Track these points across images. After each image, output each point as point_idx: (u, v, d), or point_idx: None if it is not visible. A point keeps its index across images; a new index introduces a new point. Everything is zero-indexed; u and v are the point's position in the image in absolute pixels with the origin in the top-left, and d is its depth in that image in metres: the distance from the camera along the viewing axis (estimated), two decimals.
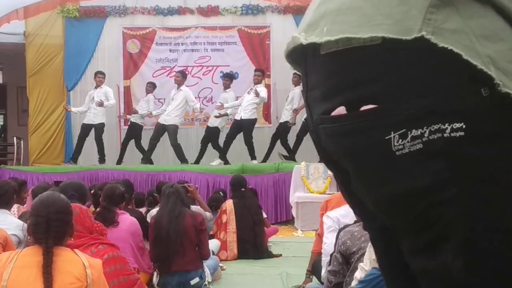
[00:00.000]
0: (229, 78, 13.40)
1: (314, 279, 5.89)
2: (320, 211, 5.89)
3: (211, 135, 13.19)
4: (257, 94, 12.48)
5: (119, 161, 13.29)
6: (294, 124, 12.96)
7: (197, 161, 13.07)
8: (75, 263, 3.09)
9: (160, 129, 12.92)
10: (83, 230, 4.11)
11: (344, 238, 4.12)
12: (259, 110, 13.37)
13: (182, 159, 12.86)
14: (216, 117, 13.00)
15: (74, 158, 13.19)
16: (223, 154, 12.96)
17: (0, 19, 13.24)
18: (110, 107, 13.17)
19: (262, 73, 13.23)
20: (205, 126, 13.63)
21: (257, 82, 12.87)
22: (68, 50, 14.26)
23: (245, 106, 12.70)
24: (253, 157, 12.81)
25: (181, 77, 13.03)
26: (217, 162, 12.88)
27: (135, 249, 6.00)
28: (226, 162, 12.88)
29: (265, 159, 13.08)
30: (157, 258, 6.36)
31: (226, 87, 13.25)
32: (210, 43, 14.54)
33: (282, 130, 13.29)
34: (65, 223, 3.21)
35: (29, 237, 3.22)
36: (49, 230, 3.10)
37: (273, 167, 12.24)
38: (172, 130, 12.80)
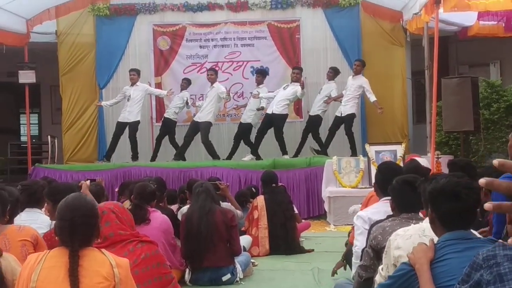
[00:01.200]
0: (261, 74, 13.36)
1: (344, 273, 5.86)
2: (362, 207, 5.89)
3: (243, 131, 13.20)
4: (302, 86, 12.45)
5: (154, 158, 13.36)
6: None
7: (229, 157, 13.08)
8: (103, 262, 3.10)
9: (195, 126, 12.96)
10: (126, 224, 4.13)
11: (376, 233, 4.11)
12: (290, 104, 13.30)
13: (214, 155, 12.87)
14: (258, 109, 13.00)
15: (107, 156, 13.30)
16: (254, 149, 12.94)
17: (33, 19, 13.38)
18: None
19: (300, 71, 13.16)
20: (236, 122, 13.65)
21: (295, 80, 12.82)
22: (99, 48, 14.37)
23: (278, 101, 12.65)
24: (284, 152, 12.77)
25: (214, 74, 13.07)
26: (249, 157, 12.87)
27: (166, 247, 6.03)
28: (258, 157, 12.86)
29: (296, 154, 13.03)
30: (189, 255, 6.38)
31: (259, 83, 13.22)
32: (240, 38, 14.51)
33: (313, 124, 13.23)
34: (91, 226, 3.22)
35: (56, 238, 3.24)
36: (74, 233, 3.12)
37: (305, 162, 12.19)
38: (204, 127, 12.82)
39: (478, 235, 3.20)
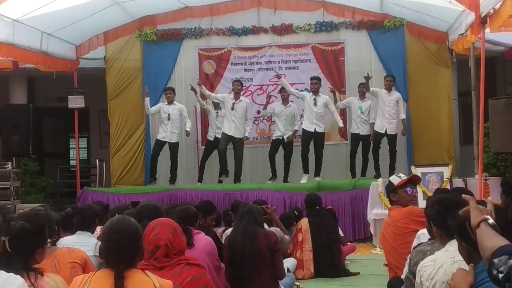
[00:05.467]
0: (286, 92, 13.33)
1: None
2: None
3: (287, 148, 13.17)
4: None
5: (200, 179, 13.44)
6: (372, 138, 12.89)
7: (273, 176, 13.07)
8: (147, 284, 3.14)
9: (226, 140, 12.90)
10: (174, 254, 4.14)
11: (416, 258, 4.05)
12: (335, 127, 13.27)
13: (238, 174, 12.90)
14: (288, 137, 12.99)
15: (152, 176, 13.43)
16: (305, 168, 12.89)
17: (82, 45, 13.72)
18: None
19: (319, 80, 13.10)
20: None
21: (315, 90, 12.78)
22: (146, 73, 14.55)
23: (317, 120, 12.67)
24: (317, 173, 12.81)
25: (241, 86, 13.19)
26: (307, 178, 12.82)
27: (211, 269, 6.02)
28: None
29: (363, 173, 13.03)
30: (233, 280, 6.36)
31: (285, 100, 13.26)
32: (285, 61, 14.57)
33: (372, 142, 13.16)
34: (136, 248, 3.28)
35: (101, 260, 3.31)
36: (120, 255, 3.17)
37: (350, 184, 12.15)
38: (240, 143, 12.89)
39: None
